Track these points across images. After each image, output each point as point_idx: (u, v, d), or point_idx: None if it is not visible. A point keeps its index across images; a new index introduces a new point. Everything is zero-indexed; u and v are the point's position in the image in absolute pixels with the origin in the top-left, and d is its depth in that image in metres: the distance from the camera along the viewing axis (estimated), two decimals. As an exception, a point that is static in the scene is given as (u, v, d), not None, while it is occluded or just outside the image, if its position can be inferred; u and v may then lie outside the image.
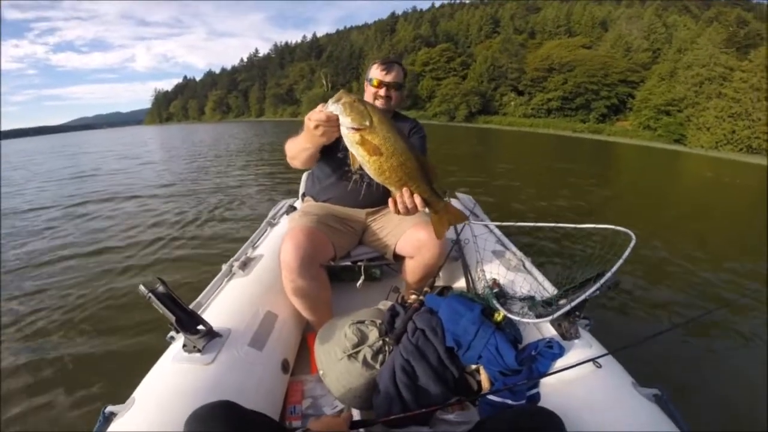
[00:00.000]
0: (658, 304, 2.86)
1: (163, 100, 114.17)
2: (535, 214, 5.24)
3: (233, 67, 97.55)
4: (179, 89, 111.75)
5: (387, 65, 1.52)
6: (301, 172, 1.94)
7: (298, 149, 1.33)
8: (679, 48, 28.65)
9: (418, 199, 0.96)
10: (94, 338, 2.33)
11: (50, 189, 7.71)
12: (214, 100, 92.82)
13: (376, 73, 1.52)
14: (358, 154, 0.89)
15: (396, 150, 0.88)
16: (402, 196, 0.95)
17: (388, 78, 1.51)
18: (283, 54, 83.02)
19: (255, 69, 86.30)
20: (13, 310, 2.69)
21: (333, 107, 0.89)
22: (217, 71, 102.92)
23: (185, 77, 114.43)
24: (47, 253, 3.81)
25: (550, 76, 35.99)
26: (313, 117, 0.96)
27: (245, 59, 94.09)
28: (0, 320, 2.53)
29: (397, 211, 0.97)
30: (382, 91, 1.52)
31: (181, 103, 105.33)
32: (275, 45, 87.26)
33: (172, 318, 0.98)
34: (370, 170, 0.91)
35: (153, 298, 0.96)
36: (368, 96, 1.55)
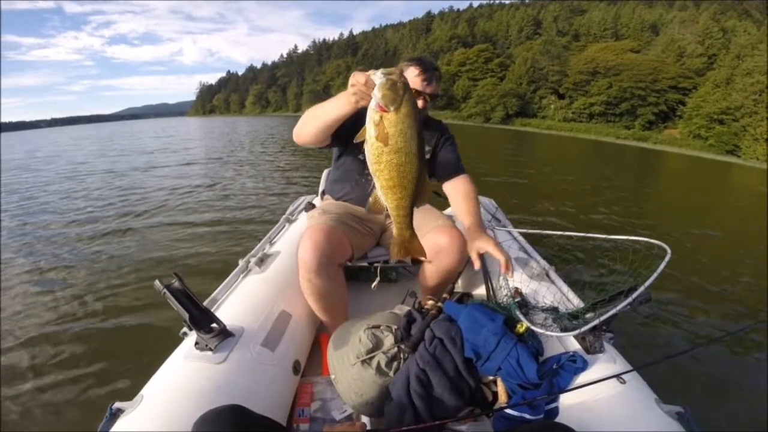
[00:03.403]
0: (686, 320, 2.73)
1: (207, 92, 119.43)
2: (564, 222, 5.03)
3: (273, 63, 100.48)
4: (223, 83, 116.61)
5: (427, 74, 1.37)
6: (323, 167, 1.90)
7: (320, 111, 1.18)
8: (737, 54, 26.62)
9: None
10: (104, 329, 2.32)
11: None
12: (254, 94, 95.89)
13: (414, 80, 1.36)
14: (369, 133, 0.85)
15: (402, 150, 0.83)
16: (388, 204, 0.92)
17: (428, 90, 1.38)
18: (321, 51, 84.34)
19: (294, 65, 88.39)
20: (22, 293, 2.79)
21: (377, 76, 0.84)
22: (258, 66, 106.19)
23: (228, 72, 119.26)
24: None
25: (594, 79, 34.45)
26: (356, 76, 0.92)
27: (285, 55, 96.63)
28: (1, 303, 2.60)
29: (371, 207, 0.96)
30: None
31: (224, 96, 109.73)
32: (314, 41, 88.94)
33: (186, 315, 0.97)
34: (369, 152, 0.86)
35: (168, 294, 0.95)
36: None
